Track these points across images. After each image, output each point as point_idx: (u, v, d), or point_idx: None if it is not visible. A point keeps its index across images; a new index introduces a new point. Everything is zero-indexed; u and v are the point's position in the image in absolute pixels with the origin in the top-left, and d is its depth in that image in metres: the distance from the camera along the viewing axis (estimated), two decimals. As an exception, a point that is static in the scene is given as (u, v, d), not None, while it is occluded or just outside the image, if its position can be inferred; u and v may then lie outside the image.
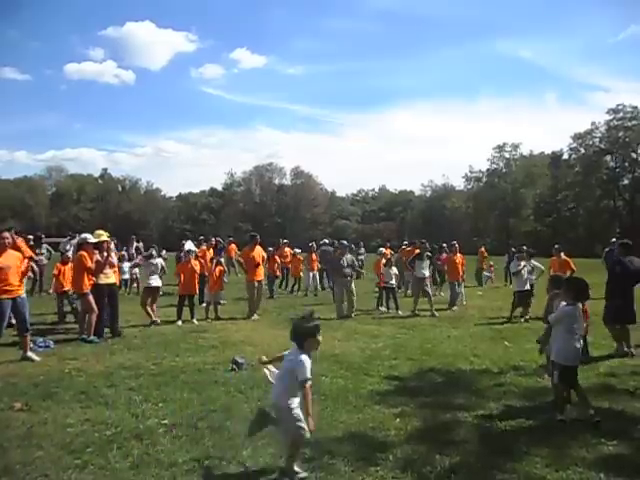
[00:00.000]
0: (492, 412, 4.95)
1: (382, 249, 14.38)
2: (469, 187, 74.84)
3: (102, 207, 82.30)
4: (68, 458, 3.85)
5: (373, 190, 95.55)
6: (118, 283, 10.09)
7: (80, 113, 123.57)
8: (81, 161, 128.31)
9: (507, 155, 70.51)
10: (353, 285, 11.71)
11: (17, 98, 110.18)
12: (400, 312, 11.97)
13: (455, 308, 12.62)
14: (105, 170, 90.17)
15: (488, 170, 71.62)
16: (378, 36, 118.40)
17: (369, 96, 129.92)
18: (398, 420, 4.71)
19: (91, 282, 8.47)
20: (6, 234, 7.08)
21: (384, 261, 12.92)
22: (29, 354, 6.94)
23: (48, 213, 78.39)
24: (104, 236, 8.90)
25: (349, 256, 12.02)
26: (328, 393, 5.50)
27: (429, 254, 13.11)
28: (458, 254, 13.35)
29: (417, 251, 13.06)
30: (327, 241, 17.94)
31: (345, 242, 12.75)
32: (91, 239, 8.71)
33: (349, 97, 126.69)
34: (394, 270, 12.67)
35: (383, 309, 12.45)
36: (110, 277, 8.81)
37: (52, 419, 4.64)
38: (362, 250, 21.94)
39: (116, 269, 9.36)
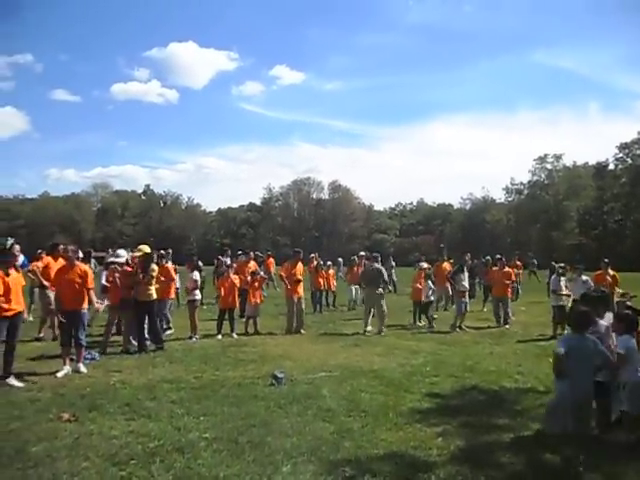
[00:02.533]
0: (539, 433, 4.79)
1: (423, 263, 14.22)
2: (510, 199, 73.31)
3: (145, 222, 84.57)
4: (113, 469, 3.93)
5: (411, 204, 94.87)
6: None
7: (125, 131, 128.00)
8: (125, 177, 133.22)
9: (549, 166, 68.78)
10: (384, 299, 11.61)
11: (68, 119, 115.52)
12: (434, 326, 11.86)
13: (507, 326, 12.26)
14: (148, 186, 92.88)
15: (529, 182, 70.00)
16: (414, 50, 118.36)
17: (406, 110, 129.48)
18: (440, 439, 4.60)
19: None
20: (72, 247, 7.41)
21: (423, 275, 12.76)
22: (79, 366, 7.16)
23: (94, 228, 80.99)
24: (141, 251, 9.08)
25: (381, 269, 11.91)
26: (368, 410, 5.44)
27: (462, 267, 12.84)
28: (506, 268, 13.04)
29: (445, 264, 12.79)
30: (363, 253, 17.76)
31: (376, 255, 12.65)
32: (121, 259, 9.00)
33: (386, 111, 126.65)
34: (430, 284, 12.49)
35: (422, 323, 12.25)
36: (152, 293, 8.87)
37: (98, 430, 4.75)
38: (392, 264, 21.73)
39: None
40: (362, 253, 14.64)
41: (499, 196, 75.85)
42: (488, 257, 16.80)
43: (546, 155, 68.35)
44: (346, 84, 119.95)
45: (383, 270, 11.82)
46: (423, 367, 7.63)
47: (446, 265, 14.40)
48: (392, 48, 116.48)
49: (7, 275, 6.41)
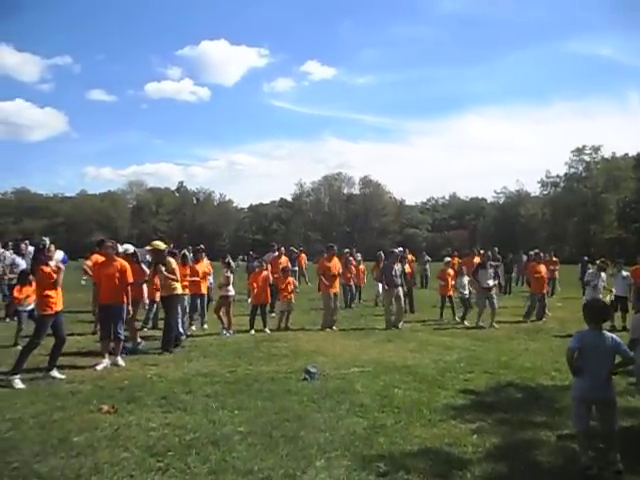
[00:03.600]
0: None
1: (448, 258, 14.01)
2: (545, 193, 71.54)
3: (179, 219, 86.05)
4: (151, 460, 4.02)
5: (443, 198, 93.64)
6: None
7: (159, 129, 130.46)
8: (159, 175, 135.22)
9: (587, 158, 66.77)
10: (402, 295, 11.53)
11: (104, 118, 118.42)
12: (467, 322, 11.79)
13: (544, 319, 12.06)
14: (181, 183, 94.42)
15: (566, 175, 68.15)
16: (446, 42, 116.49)
17: (437, 103, 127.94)
18: (475, 436, 4.54)
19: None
20: (110, 244, 7.59)
21: (450, 271, 12.62)
22: (117, 359, 7.36)
23: (129, 225, 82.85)
24: (152, 246, 9.02)
25: (399, 266, 11.81)
26: (401, 405, 5.41)
27: (492, 263, 12.59)
28: (542, 264, 12.77)
29: (477, 259, 12.63)
30: (399, 250, 17.62)
31: (397, 250, 12.52)
32: (129, 250, 9.03)
33: (417, 105, 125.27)
34: (466, 279, 12.33)
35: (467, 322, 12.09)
36: (176, 287, 8.70)
37: (136, 422, 4.86)
38: (427, 259, 21.51)
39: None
40: (399, 249, 14.52)
41: (534, 189, 74.10)
42: (533, 252, 16.40)
43: (584, 147, 66.42)
44: (377, 78, 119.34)
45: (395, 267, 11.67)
46: (457, 363, 7.55)
47: (477, 259, 14.19)
48: (423, 40, 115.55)
49: (53, 272, 6.63)
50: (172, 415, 5.09)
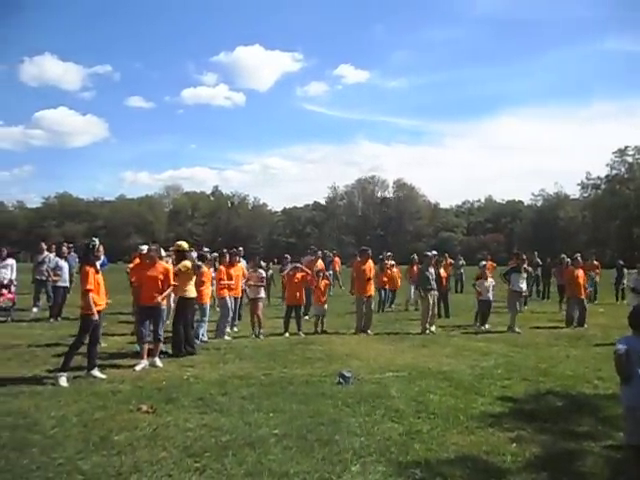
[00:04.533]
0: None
1: (483, 262, 13.78)
2: (585, 195, 69.62)
3: (214, 222, 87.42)
4: (189, 461, 4.07)
5: (479, 201, 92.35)
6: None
7: (195, 135, 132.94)
8: (195, 179, 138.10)
9: (630, 159, 64.77)
10: (436, 299, 11.39)
11: (142, 124, 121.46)
12: (486, 326, 11.62)
13: (585, 325, 11.75)
14: (216, 187, 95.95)
15: (607, 176, 66.25)
16: (480, 43, 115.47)
17: (471, 105, 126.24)
18: (514, 445, 4.43)
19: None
20: (154, 247, 7.78)
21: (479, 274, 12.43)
22: (155, 360, 7.52)
23: (166, 229, 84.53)
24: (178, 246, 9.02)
25: (432, 269, 11.68)
26: (437, 411, 5.33)
27: (527, 267, 12.31)
28: (580, 269, 12.41)
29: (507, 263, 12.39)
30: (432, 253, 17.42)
31: (430, 254, 12.37)
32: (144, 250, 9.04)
33: (451, 107, 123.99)
34: (490, 282, 12.12)
35: (487, 326, 11.86)
36: (191, 291, 8.66)
37: (174, 422, 4.95)
38: (461, 262, 21.19)
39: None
40: (433, 252, 14.39)
41: (573, 192, 72.28)
42: (563, 256, 16.00)
43: (626, 147, 64.53)
44: (410, 81, 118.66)
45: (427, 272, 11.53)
46: (494, 369, 7.40)
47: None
48: (457, 42, 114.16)
49: (97, 272, 6.85)
50: (208, 416, 5.16)
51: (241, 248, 11.98)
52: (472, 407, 5.55)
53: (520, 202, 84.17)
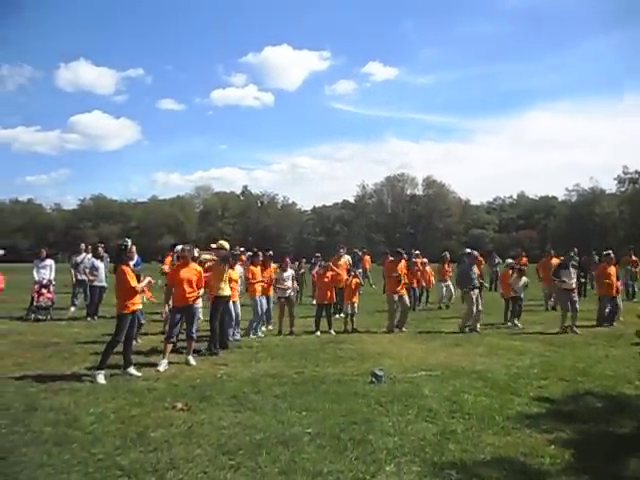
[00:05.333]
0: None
1: (510, 260, 13.48)
2: (622, 190, 67.41)
3: (243, 222, 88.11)
4: (223, 458, 4.12)
5: (511, 197, 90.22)
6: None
7: (224, 135, 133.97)
8: (225, 180, 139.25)
9: (670, 152, 62.41)
10: (479, 297, 11.18)
11: (173, 126, 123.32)
12: (518, 324, 11.40)
13: (614, 324, 11.42)
14: (245, 187, 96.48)
15: (646, 170, 63.96)
16: (510, 37, 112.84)
17: (502, 100, 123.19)
18: (553, 447, 4.32)
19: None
20: (187, 247, 7.89)
21: (511, 272, 12.17)
22: (189, 358, 7.62)
23: (197, 229, 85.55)
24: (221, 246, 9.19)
25: (475, 268, 11.52)
26: (472, 412, 5.25)
27: (574, 263, 11.99)
28: (612, 266, 12.04)
29: (554, 260, 12.07)
30: (468, 251, 17.14)
31: (475, 252, 12.20)
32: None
33: (480, 103, 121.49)
34: (523, 280, 11.87)
35: (517, 323, 11.64)
36: (225, 290, 8.86)
37: (208, 420, 5.01)
38: (497, 260, 20.78)
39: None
40: (468, 250, 14.19)
41: (610, 186, 70.02)
42: (593, 252, 15.60)
43: (666, 140, 62.12)
44: (439, 77, 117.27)
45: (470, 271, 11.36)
46: (530, 369, 7.24)
47: (555, 261, 13.58)
48: (486, 37, 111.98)
49: (132, 274, 6.99)
50: (242, 414, 5.20)
51: (271, 252, 12.02)
52: (508, 407, 5.44)
53: (554, 198, 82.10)
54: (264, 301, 10.45)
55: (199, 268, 7.98)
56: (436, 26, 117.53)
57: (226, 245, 9.24)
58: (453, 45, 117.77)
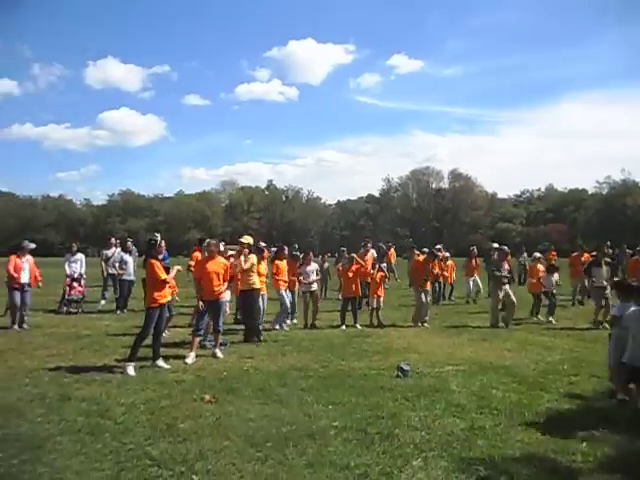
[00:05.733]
0: None
1: (537, 253, 13.25)
2: (656, 182, 65.52)
3: (269, 216, 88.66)
4: (251, 450, 4.15)
5: (539, 190, 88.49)
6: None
7: (249, 130, 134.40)
8: (250, 174, 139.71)
9: None
10: (511, 292, 11.00)
11: (199, 121, 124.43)
12: (553, 320, 11.17)
13: None
14: (270, 181, 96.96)
15: (682, 161, 61.99)
16: (536, 27, 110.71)
17: (529, 91, 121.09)
18: (584, 445, 4.24)
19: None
20: (214, 242, 7.97)
21: (540, 266, 11.92)
22: (216, 351, 7.71)
23: (223, 223, 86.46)
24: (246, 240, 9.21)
25: (506, 263, 11.35)
26: (500, 407, 5.19)
27: (608, 260, 11.71)
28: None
29: (586, 256, 11.81)
30: (496, 245, 16.87)
31: (506, 248, 12.03)
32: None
33: (507, 94, 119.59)
34: (555, 277, 11.65)
35: (543, 319, 11.45)
36: (255, 282, 9.03)
37: (236, 412, 5.06)
38: (524, 255, 20.42)
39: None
40: (495, 245, 14.02)
41: (643, 178, 68.10)
42: (625, 246, 15.20)
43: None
44: (464, 68, 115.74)
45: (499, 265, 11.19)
46: (560, 365, 7.12)
47: (587, 256, 13.29)
48: (514, 26, 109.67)
49: (162, 267, 7.11)
50: (269, 407, 5.24)
51: (296, 246, 12.06)
52: (537, 403, 5.37)
53: (584, 190, 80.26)
54: (289, 295, 10.49)
55: (226, 262, 8.06)
56: (462, 16, 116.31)
57: (250, 240, 9.28)
58: (479, 35, 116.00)
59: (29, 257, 10.62)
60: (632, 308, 5.56)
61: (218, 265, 7.81)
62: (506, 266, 11.20)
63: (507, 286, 10.95)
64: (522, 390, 5.85)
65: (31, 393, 5.64)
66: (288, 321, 10.81)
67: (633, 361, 5.22)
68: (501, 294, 10.81)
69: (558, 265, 12.63)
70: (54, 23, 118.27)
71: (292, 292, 10.87)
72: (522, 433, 4.52)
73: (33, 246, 10.86)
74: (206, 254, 8.08)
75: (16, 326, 10.00)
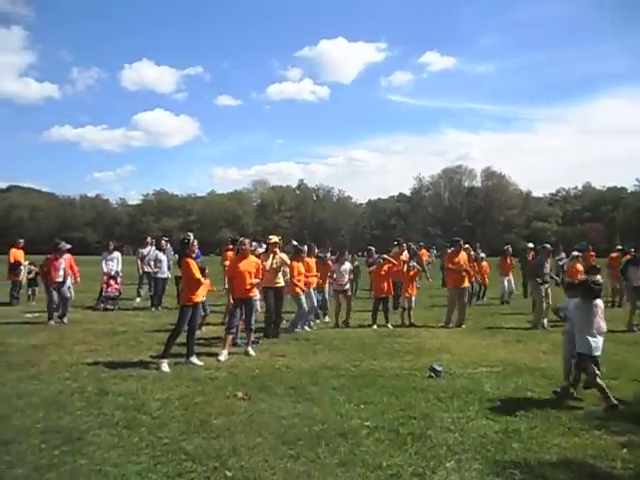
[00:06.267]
0: None
1: (575, 252, 12.89)
2: (701, 179, 63.01)
3: (299, 215, 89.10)
4: (283, 448, 4.18)
5: (575, 188, 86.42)
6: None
7: (281, 130, 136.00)
8: (281, 174, 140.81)
9: None
10: (549, 292, 10.75)
11: (231, 121, 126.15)
12: None
13: None
14: (302, 181, 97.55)
15: None
16: (575, 19, 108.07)
17: (564, 87, 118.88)
18: (625, 451, 4.11)
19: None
20: (246, 241, 8.06)
21: (579, 266, 11.58)
22: (249, 349, 7.79)
23: (254, 222, 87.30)
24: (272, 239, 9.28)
25: (548, 262, 11.10)
26: (536, 411, 5.08)
27: None
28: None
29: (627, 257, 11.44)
30: (531, 245, 16.50)
31: (548, 246, 11.75)
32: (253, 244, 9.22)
33: (542, 90, 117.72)
34: (598, 278, 11.29)
35: None
36: (279, 281, 9.20)
37: (268, 410, 5.10)
38: (562, 255, 19.91)
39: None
40: (530, 245, 13.77)
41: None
42: None
43: None
44: (498, 65, 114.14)
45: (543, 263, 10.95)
46: (598, 368, 6.91)
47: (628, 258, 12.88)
48: (550, 20, 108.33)
49: (197, 267, 7.24)
50: (301, 405, 5.26)
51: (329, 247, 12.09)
52: (575, 407, 5.25)
53: (622, 189, 77.90)
54: (312, 295, 10.34)
55: (257, 260, 8.14)
56: (495, 11, 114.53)
57: (276, 239, 9.32)
58: (513, 31, 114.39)
59: (67, 256, 11.01)
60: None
61: (250, 264, 7.90)
62: (547, 263, 10.95)
63: (546, 285, 10.72)
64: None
65: (71, 387, 5.82)
66: (318, 320, 10.81)
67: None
68: (543, 294, 10.57)
69: (599, 266, 12.27)
70: (92, 28, 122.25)
71: (321, 292, 10.87)
72: (559, 437, 4.42)
73: (68, 247, 11.26)
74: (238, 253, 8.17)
75: (52, 321, 10.37)
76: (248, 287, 7.79)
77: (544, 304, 10.53)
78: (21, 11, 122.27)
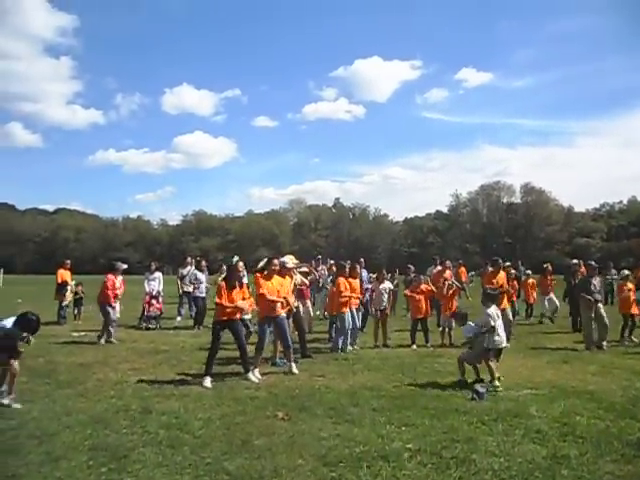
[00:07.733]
0: None
1: (626, 271, 12.41)
2: None
3: (336, 234, 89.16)
4: (324, 470, 4.15)
5: (620, 202, 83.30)
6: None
7: (317, 149, 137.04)
8: (317, 193, 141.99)
9: None
10: (604, 311, 10.34)
11: (267, 142, 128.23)
12: (635, 339, 10.60)
13: None
14: (337, 199, 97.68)
15: None
16: (612, 31, 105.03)
17: (606, 99, 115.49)
18: (684, 480, 3.92)
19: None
20: (275, 261, 8.13)
21: (629, 284, 11.15)
22: (292, 366, 7.85)
23: (291, 241, 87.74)
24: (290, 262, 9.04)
25: (597, 279, 10.72)
26: (586, 436, 4.88)
27: None
28: None
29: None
30: (575, 261, 15.99)
31: (593, 263, 11.39)
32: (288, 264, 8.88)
33: (581, 103, 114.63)
34: None
35: (634, 339, 10.73)
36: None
37: (308, 431, 5.08)
38: (613, 272, 19.21)
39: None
40: (575, 261, 13.38)
41: None
42: None
43: None
44: (535, 79, 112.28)
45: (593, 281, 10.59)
46: (651, 391, 6.62)
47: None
48: (588, 32, 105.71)
49: (234, 288, 7.43)
50: (341, 427, 5.22)
51: (362, 259, 11.97)
52: (628, 433, 5.01)
53: (670, 202, 74.82)
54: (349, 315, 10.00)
55: (287, 279, 8.21)
56: (530, 25, 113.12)
57: (291, 261, 9.08)
58: (549, 44, 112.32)
59: (120, 277, 11.40)
60: None
61: (278, 282, 7.96)
62: (595, 281, 10.60)
63: (600, 305, 10.36)
64: (610, 417, 5.48)
65: (116, 405, 5.96)
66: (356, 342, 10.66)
67: None
68: (592, 314, 10.22)
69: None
70: (135, 56, 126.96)
71: (351, 311, 10.62)
72: (611, 464, 4.23)
73: (125, 267, 11.65)
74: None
75: (102, 340, 10.63)
76: (276, 306, 7.83)
77: (593, 324, 10.17)
78: (70, 42, 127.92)
